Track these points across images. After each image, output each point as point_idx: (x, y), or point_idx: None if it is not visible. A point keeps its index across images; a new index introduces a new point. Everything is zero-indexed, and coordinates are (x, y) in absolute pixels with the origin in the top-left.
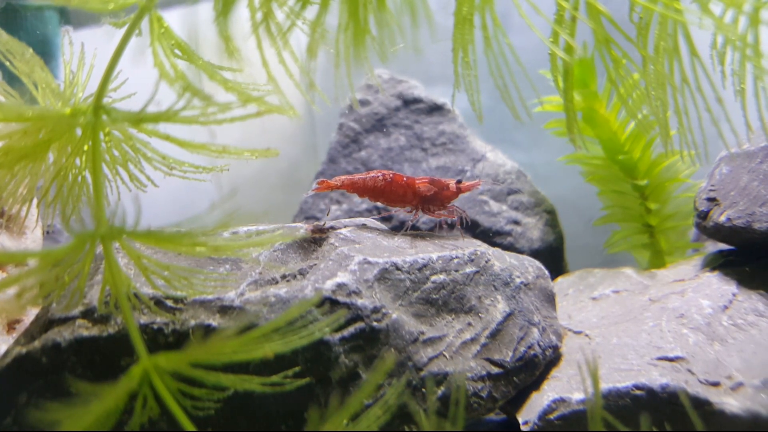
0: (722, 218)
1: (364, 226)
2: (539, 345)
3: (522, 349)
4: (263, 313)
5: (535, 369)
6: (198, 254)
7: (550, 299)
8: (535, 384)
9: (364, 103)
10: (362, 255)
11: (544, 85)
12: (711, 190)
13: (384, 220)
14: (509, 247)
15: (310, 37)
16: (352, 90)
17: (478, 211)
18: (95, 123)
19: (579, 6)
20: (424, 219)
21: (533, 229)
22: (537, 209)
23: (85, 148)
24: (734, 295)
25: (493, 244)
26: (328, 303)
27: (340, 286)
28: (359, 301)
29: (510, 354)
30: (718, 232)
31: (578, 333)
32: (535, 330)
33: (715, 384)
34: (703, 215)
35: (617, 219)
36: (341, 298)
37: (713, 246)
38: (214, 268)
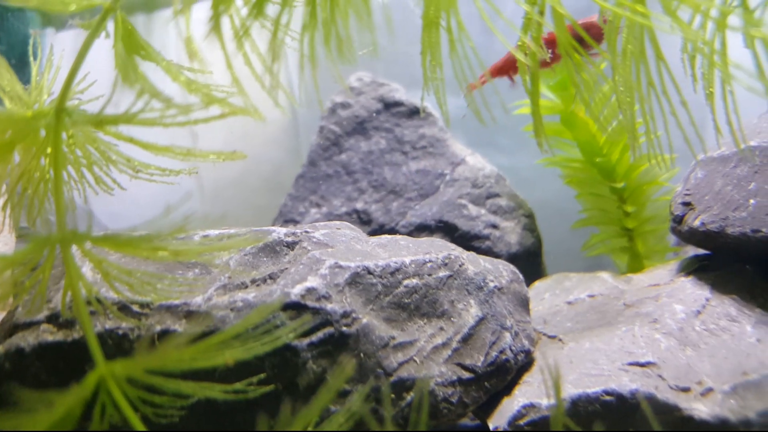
0: (696, 223)
1: (338, 230)
2: (511, 350)
3: (494, 353)
4: (230, 319)
5: (506, 374)
6: (160, 258)
7: (523, 303)
8: (507, 389)
9: (345, 105)
10: (334, 259)
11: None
12: (686, 195)
13: (362, 223)
14: (487, 251)
15: (271, 37)
16: (317, 89)
17: (457, 214)
18: (57, 125)
19: (545, 10)
20: (403, 222)
21: (511, 233)
22: (515, 213)
23: (49, 150)
24: (707, 300)
25: (472, 248)
26: (297, 308)
27: (310, 290)
28: (329, 306)
29: (481, 359)
30: (692, 237)
31: (552, 337)
32: (507, 334)
33: (686, 389)
34: (679, 219)
35: (596, 222)
36: (310, 303)
37: (693, 250)
38: (183, 273)
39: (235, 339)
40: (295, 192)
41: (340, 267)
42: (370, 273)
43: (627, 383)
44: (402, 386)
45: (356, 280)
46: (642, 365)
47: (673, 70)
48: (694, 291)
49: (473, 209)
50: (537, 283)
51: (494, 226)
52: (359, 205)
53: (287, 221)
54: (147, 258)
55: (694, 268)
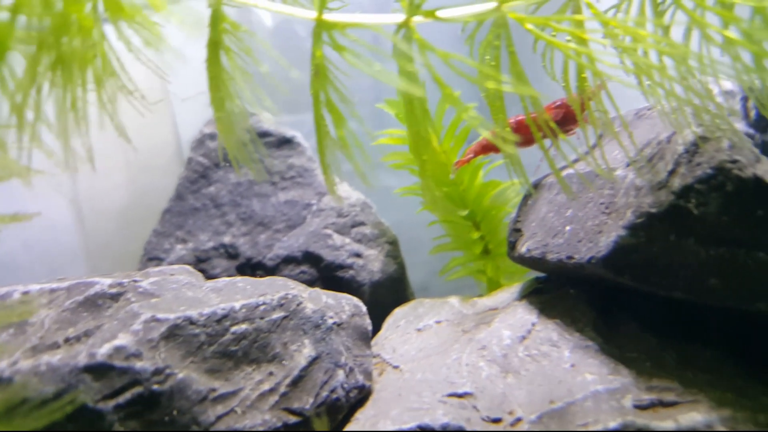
0: (523, 249)
1: (171, 276)
2: (343, 387)
3: (324, 393)
4: (33, 384)
5: (337, 413)
6: None
7: (363, 337)
8: (340, 426)
9: (213, 136)
10: (152, 312)
11: (387, 118)
12: (517, 221)
13: (230, 257)
14: (351, 280)
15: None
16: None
17: (322, 245)
18: None
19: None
20: (270, 255)
21: (375, 261)
22: (379, 240)
23: None
24: (533, 324)
25: (336, 278)
26: (103, 369)
27: (118, 349)
28: (138, 365)
29: (311, 401)
30: (524, 262)
31: (396, 368)
32: (340, 372)
33: (497, 420)
34: (512, 245)
35: (454, 246)
36: (117, 363)
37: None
38: None
39: (21, 407)
40: (160, 228)
41: (157, 320)
42: (192, 323)
43: (440, 417)
44: None
45: (175, 333)
46: (460, 396)
47: None
48: (523, 315)
49: (338, 239)
50: (396, 310)
51: (358, 255)
52: (227, 239)
53: (151, 259)
54: None
55: (530, 291)
